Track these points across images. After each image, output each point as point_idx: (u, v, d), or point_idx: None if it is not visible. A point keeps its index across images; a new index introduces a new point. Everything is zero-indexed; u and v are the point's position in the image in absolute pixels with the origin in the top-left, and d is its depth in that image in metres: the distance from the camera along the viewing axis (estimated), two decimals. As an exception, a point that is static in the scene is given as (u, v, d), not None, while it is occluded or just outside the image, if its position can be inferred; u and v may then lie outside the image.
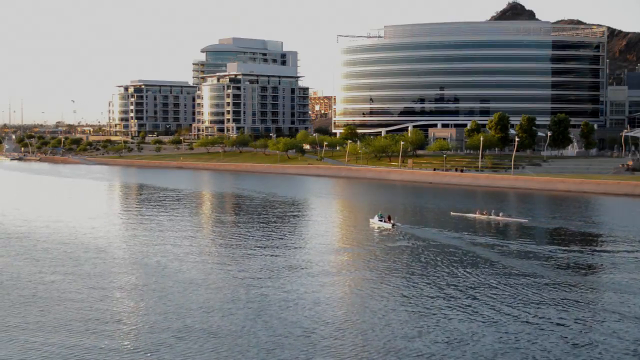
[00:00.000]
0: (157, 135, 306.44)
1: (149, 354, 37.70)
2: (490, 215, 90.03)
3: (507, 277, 55.10)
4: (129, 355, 37.62)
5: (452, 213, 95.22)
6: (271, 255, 64.97)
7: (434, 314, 45.13)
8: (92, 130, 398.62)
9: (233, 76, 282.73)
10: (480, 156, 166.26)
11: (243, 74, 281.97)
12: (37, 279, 54.71)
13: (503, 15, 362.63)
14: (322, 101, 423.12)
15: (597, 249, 70.36)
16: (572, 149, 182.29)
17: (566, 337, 40.71)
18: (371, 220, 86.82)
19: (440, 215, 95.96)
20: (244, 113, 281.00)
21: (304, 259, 63.35)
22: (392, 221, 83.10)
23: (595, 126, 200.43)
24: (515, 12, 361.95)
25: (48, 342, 39.45)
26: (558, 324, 43.12)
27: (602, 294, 50.98)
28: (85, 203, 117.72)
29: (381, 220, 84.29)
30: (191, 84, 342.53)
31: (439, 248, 68.88)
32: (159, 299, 48.68)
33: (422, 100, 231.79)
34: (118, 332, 41.36)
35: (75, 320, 43.56)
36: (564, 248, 69.20)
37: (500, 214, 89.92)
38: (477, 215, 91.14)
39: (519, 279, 54.47)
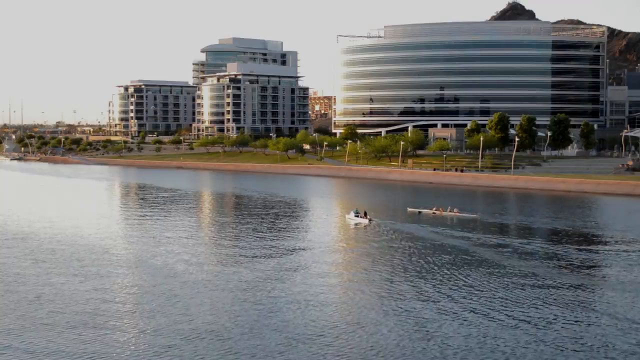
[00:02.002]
0: (157, 135, 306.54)
1: (157, 356, 37.75)
2: (445, 211, 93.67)
3: (490, 274, 55.42)
4: (136, 357, 37.69)
5: (408, 209, 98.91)
6: (275, 256, 65.06)
7: (440, 314, 45.15)
8: (92, 130, 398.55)
9: (233, 76, 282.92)
10: (480, 156, 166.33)
11: (243, 74, 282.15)
12: (44, 280, 54.73)
13: (503, 15, 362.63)
14: (322, 101, 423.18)
15: (574, 247, 70.68)
16: (572, 149, 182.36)
17: (559, 338, 40.78)
18: (347, 216, 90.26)
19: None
20: (244, 113, 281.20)
21: (308, 259, 63.52)
22: (368, 217, 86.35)
23: (595, 126, 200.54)
24: (515, 12, 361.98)
25: (55, 344, 39.49)
26: (547, 322, 43.34)
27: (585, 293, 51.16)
28: (87, 203, 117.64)
29: (357, 216, 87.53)
30: (191, 84, 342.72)
31: (424, 243, 71.54)
32: (166, 300, 48.72)
33: (422, 100, 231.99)
34: (126, 334, 41.44)
35: (82, 321, 43.59)
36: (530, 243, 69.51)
37: (454, 210, 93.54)
38: (433, 211, 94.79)
39: (493, 273, 54.80)
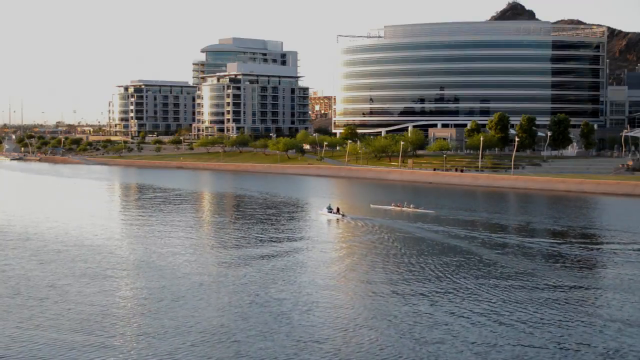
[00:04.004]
0: (157, 135, 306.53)
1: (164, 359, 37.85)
2: (403, 207, 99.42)
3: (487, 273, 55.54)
4: None
5: (371, 205, 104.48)
6: (279, 256, 65.24)
7: (447, 314, 45.29)
8: (92, 130, 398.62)
9: (233, 76, 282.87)
10: (480, 156, 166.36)
11: (243, 74, 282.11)
12: (50, 282, 54.78)
13: (503, 15, 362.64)
14: (322, 101, 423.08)
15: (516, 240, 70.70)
16: (572, 149, 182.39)
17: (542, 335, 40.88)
18: (320, 211, 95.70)
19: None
20: (244, 113, 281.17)
21: (311, 259, 63.83)
22: (340, 212, 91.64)
23: (595, 126, 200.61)
24: (515, 12, 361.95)
25: (61, 346, 39.58)
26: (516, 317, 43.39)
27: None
28: (88, 204, 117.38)
29: (330, 212, 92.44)
30: (191, 84, 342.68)
31: (407, 237, 73.54)
32: (173, 302, 48.80)
33: (422, 100, 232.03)
34: (133, 336, 41.56)
35: (88, 323, 43.71)
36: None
37: (412, 206, 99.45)
38: (393, 207, 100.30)
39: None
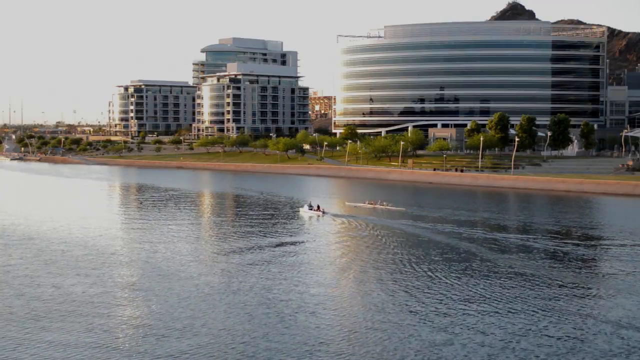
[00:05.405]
0: (157, 135, 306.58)
1: None
2: (377, 204, 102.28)
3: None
4: None
5: (346, 203, 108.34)
6: (283, 257, 65.34)
7: (451, 315, 45.41)
8: (92, 130, 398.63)
9: (233, 76, 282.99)
10: (480, 156, 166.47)
11: (243, 74, 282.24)
12: (55, 282, 54.77)
13: (503, 15, 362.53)
14: (322, 101, 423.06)
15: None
16: (572, 149, 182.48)
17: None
18: (301, 209, 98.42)
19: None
20: (244, 113, 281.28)
21: (315, 259, 63.91)
22: (321, 209, 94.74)
23: (595, 126, 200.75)
24: (515, 12, 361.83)
25: (65, 347, 39.64)
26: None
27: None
28: (90, 204, 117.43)
29: (311, 209, 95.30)
30: (191, 84, 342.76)
31: (400, 235, 73.09)
32: (179, 303, 48.80)
33: (422, 100, 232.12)
34: (138, 338, 41.61)
35: (94, 325, 43.75)
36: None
37: (385, 204, 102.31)
38: (367, 205, 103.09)
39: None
